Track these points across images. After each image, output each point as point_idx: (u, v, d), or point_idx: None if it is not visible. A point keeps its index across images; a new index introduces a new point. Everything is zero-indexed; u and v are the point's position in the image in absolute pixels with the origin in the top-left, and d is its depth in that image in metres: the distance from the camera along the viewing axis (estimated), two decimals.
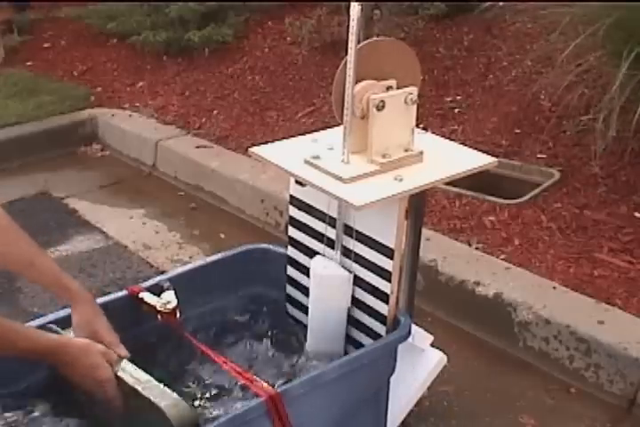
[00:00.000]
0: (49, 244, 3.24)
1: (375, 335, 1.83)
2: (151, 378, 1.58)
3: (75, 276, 1.75)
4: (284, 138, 1.90)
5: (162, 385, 1.56)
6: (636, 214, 2.90)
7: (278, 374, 1.88)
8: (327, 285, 1.85)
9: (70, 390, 1.65)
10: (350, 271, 1.84)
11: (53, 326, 1.69)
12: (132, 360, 1.64)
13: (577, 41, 3.06)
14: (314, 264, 1.87)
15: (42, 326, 1.68)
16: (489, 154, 1.82)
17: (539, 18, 3.44)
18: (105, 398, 1.59)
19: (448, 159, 1.78)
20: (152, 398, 1.52)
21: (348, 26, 1.58)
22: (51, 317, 1.74)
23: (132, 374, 1.59)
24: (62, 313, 1.74)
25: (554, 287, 2.58)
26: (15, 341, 1.52)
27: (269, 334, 2.02)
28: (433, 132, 2.11)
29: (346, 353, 1.90)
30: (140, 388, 1.55)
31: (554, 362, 2.47)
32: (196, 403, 1.81)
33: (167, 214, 3.60)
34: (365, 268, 1.80)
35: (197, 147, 3.91)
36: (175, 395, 1.54)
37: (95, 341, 1.64)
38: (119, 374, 1.59)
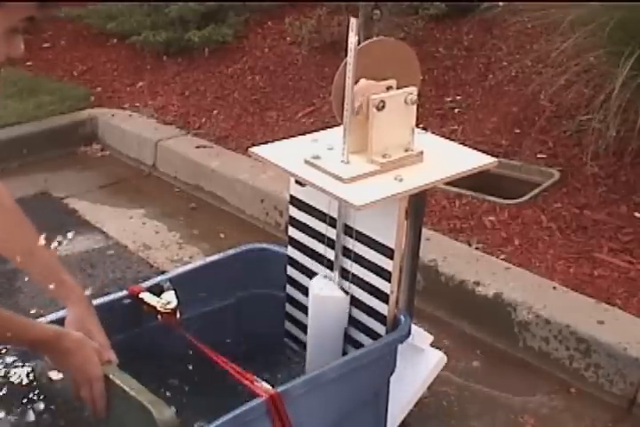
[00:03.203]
0: (49, 244, 3.23)
1: (375, 335, 1.83)
2: (140, 384, 1.53)
3: (75, 276, 1.75)
4: (283, 138, 1.90)
5: (151, 394, 1.51)
6: (636, 214, 2.90)
7: (278, 374, 1.88)
8: (324, 305, 1.86)
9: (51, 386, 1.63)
10: (347, 292, 1.84)
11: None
12: (120, 366, 1.60)
13: (577, 41, 3.06)
14: (312, 284, 1.88)
15: None
16: (489, 154, 1.82)
17: (539, 18, 3.44)
18: (90, 396, 1.55)
19: (448, 159, 1.78)
20: (145, 402, 1.48)
21: (348, 26, 1.58)
22: (50, 317, 1.73)
23: (121, 378, 1.55)
24: (62, 313, 1.73)
25: (554, 287, 2.58)
26: (10, 328, 1.50)
27: (269, 334, 2.02)
28: (433, 132, 2.11)
29: (346, 353, 1.91)
30: (131, 391, 1.51)
31: (554, 362, 2.47)
32: (196, 403, 1.81)
33: (167, 214, 3.60)
34: (365, 268, 1.80)
35: (197, 147, 3.91)
36: (164, 403, 1.49)
37: None
38: (109, 375, 1.55)
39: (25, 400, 1.64)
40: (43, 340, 1.53)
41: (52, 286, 1.70)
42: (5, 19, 1.25)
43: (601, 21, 2.99)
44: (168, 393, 1.72)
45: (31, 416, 1.63)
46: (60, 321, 1.69)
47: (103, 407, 1.56)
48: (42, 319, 1.72)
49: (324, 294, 1.86)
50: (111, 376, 1.54)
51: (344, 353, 1.91)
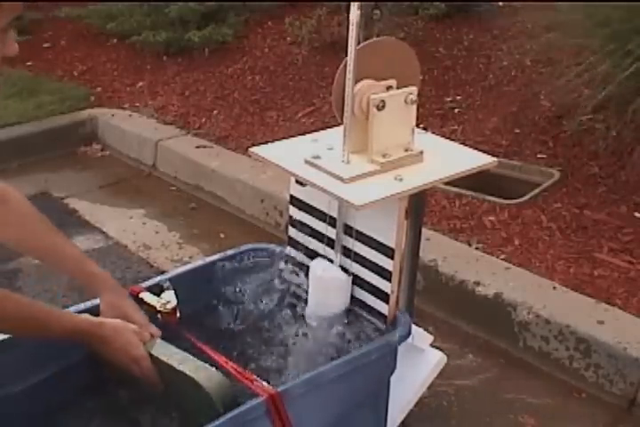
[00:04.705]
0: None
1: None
2: (185, 353, 1.62)
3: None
4: (283, 138, 1.90)
5: (196, 360, 1.60)
6: (636, 214, 2.90)
7: (278, 374, 1.88)
8: (326, 287, 1.85)
9: (107, 369, 1.70)
10: (349, 273, 1.84)
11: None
12: (163, 338, 1.69)
13: (576, 41, 3.07)
14: (313, 266, 1.87)
15: None
16: (489, 154, 1.82)
17: (539, 18, 3.44)
18: (142, 375, 1.64)
19: (448, 159, 1.77)
20: (187, 371, 1.56)
21: (348, 26, 1.58)
22: (79, 307, 1.76)
23: (165, 351, 1.64)
24: (82, 306, 1.76)
25: (554, 287, 2.58)
26: (49, 322, 1.56)
27: (269, 334, 2.02)
28: (433, 132, 2.11)
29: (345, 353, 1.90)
30: (174, 363, 1.59)
31: (554, 362, 2.47)
32: None
33: (167, 214, 3.60)
34: (365, 267, 1.80)
35: (197, 147, 3.91)
36: (210, 367, 1.58)
37: None
38: (152, 351, 1.63)
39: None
40: (80, 332, 1.59)
41: (80, 280, 1.77)
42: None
43: (600, 20, 2.99)
44: None
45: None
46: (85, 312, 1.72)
47: (157, 382, 1.64)
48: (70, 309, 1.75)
49: (326, 276, 1.85)
50: (153, 352, 1.63)
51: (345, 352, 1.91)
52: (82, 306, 1.76)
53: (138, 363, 1.63)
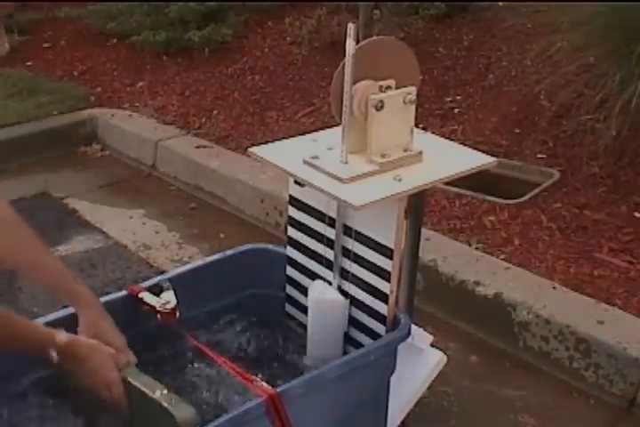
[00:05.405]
0: (49, 244, 3.23)
1: (375, 335, 1.83)
2: (160, 384, 1.57)
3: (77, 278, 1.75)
4: (283, 138, 1.90)
5: (171, 392, 1.55)
6: (636, 214, 2.90)
7: (278, 375, 1.88)
8: (324, 309, 1.86)
9: (73, 390, 1.65)
10: (347, 295, 1.84)
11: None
12: (138, 366, 1.64)
13: (576, 40, 3.07)
14: (312, 288, 1.88)
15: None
16: (489, 154, 1.82)
17: (538, 18, 3.44)
18: (111, 400, 1.58)
19: (448, 159, 1.77)
20: (163, 402, 1.51)
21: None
22: (51, 316, 1.74)
23: (140, 378, 1.58)
24: (62, 313, 1.73)
25: (554, 287, 2.58)
26: (27, 337, 1.53)
27: (269, 334, 2.02)
28: (433, 132, 2.11)
29: (346, 353, 1.91)
30: (149, 392, 1.54)
31: (554, 362, 2.47)
32: (196, 403, 1.81)
33: (167, 214, 3.60)
34: (365, 268, 1.80)
35: (197, 147, 3.91)
36: (185, 402, 1.53)
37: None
38: (127, 377, 1.58)
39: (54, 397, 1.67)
40: (58, 349, 1.54)
41: (61, 295, 1.71)
42: None
43: (600, 21, 2.99)
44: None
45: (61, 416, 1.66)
46: (61, 321, 1.70)
47: (125, 409, 1.59)
48: (41, 319, 1.72)
49: (323, 298, 1.86)
50: (129, 379, 1.57)
51: (344, 354, 1.91)
52: (52, 316, 1.72)
53: (109, 387, 1.57)
